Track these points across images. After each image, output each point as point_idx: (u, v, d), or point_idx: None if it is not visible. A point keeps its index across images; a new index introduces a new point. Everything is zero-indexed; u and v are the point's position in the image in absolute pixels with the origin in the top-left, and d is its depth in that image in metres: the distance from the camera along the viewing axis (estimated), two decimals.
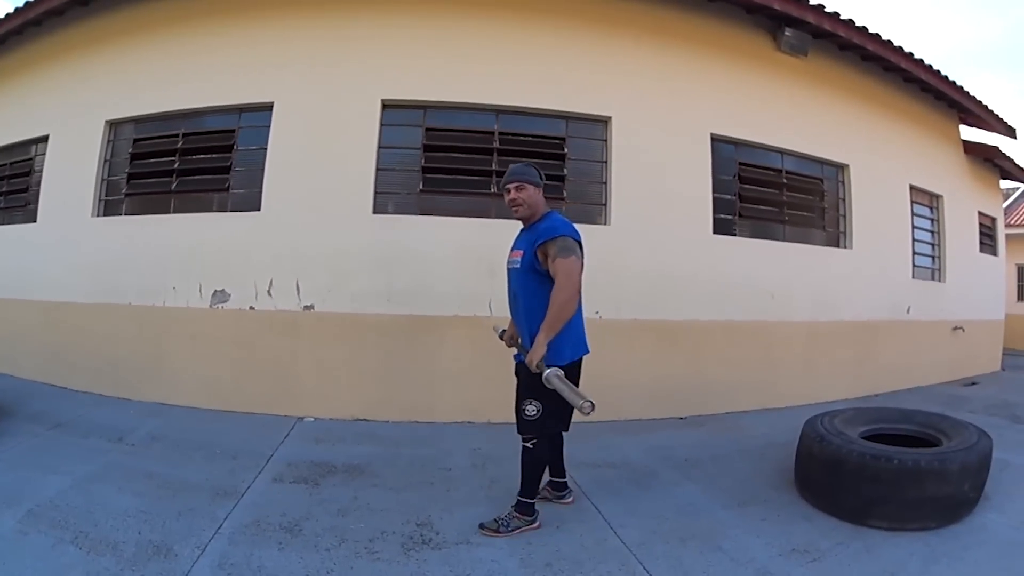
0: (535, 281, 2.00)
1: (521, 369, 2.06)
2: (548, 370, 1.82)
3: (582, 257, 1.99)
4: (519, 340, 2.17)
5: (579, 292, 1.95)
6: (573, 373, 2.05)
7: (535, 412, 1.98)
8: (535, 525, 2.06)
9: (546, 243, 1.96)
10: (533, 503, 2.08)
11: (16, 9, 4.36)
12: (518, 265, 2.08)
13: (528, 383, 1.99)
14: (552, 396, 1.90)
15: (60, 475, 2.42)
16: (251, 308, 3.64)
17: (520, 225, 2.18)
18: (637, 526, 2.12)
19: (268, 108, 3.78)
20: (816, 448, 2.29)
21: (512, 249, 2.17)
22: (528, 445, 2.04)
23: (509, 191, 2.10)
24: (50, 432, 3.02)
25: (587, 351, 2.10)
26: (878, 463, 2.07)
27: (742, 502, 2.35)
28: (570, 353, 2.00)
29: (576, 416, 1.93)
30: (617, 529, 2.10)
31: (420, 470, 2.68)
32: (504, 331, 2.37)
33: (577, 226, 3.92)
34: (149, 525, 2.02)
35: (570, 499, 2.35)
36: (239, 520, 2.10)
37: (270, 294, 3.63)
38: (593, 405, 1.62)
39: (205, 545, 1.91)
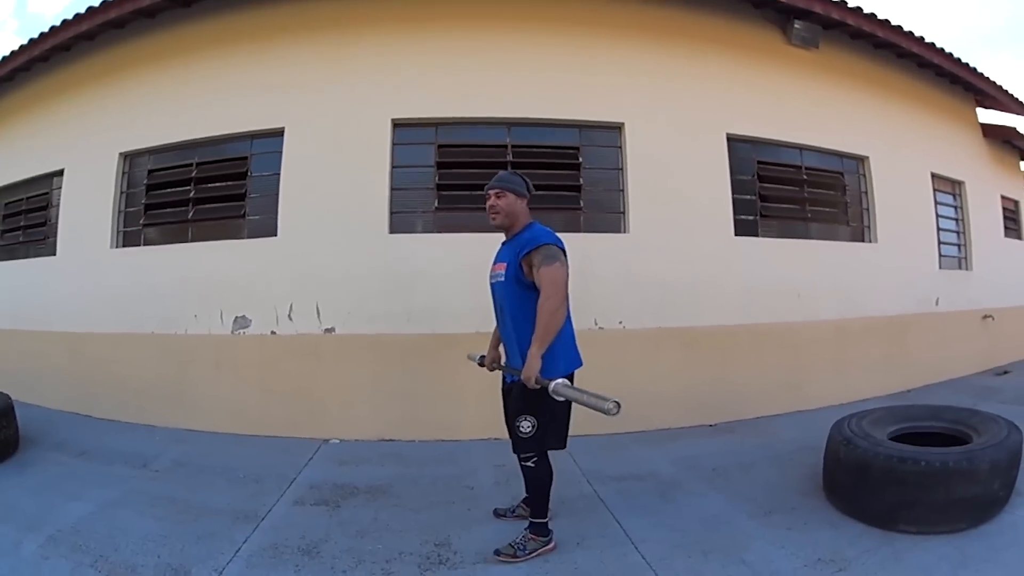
0: (521, 293, 1.94)
1: (514, 387, 1.97)
2: (554, 382, 1.74)
3: (567, 264, 1.92)
4: (506, 362, 2.11)
5: (567, 300, 1.89)
6: None
7: (530, 428, 1.92)
8: (551, 546, 2.01)
9: (529, 253, 1.90)
10: (547, 523, 2.03)
11: (21, 46, 4.39)
12: (502, 278, 2.00)
13: (521, 399, 1.92)
14: (546, 410, 1.85)
15: (83, 501, 2.44)
16: (272, 333, 3.64)
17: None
18: (659, 540, 2.08)
19: (279, 133, 3.78)
20: (842, 452, 2.23)
21: (494, 263, 2.10)
22: (529, 464, 1.98)
23: (489, 196, 2.04)
24: (75, 460, 3.05)
25: (580, 364, 2.03)
26: (904, 465, 2.01)
27: (768, 511, 2.30)
28: (563, 367, 1.93)
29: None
30: (638, 544, 2.06)
31: (443, 489, 2.66)
32: (483, 357, 2.29)
33: (596, 236, 3.87)
34: (168, 549, 2.04)
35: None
36: (258, 543, 2.11)
37: (291, 318, 3.62)
38: (619, 404, 1.51)
39: (222, 568, 1.92)
